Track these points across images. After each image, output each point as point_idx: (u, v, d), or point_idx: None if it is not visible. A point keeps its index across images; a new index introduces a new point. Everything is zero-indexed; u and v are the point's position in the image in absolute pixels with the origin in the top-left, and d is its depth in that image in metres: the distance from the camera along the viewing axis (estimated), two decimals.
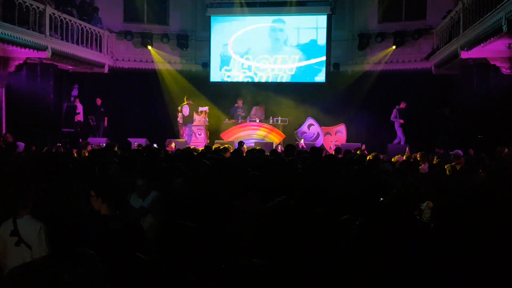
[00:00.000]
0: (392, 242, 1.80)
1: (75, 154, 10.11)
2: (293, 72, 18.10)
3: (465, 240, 1.62)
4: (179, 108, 16.57)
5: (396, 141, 15.87)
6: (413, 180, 5.90)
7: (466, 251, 1.54)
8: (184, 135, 16.40)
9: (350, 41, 18.17)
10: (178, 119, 16.76)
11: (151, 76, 18.32)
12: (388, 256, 1.71)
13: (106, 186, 4.32)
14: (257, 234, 3.51)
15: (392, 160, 9.37)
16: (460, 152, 9.75)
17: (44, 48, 13.47)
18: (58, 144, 11.76)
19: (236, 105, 17.07)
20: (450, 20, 14.07)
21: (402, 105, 16.03)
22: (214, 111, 17.47)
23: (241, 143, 11.64)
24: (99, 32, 17.00)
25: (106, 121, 17.05)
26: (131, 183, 5.21)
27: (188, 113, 16.37)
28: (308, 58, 17.93)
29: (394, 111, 16.01)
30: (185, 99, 16.60)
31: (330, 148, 14.89)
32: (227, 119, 17.17)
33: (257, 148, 9.97)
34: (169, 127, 17.41)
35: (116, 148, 10.06)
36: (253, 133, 16.39)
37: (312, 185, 4.25)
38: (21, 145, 11.62)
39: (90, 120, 16.72)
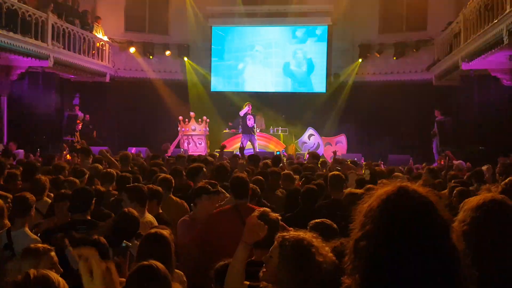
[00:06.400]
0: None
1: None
2: (293, 82, 18.14)
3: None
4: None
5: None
6: None
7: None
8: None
9: (351, 51, 18.23)
10: (178, 128, 16.72)
11: (152, 86, 18.35)
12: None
13: None
14: None
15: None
16: (463, 163, 9.71)
17: (46, 57, 13.49)
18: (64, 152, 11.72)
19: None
20: (451, 31, 14.13)
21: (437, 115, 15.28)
22: (215, 121, 17.47)
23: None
24: (100, 42, 17.06)
25: None
26: None
27: (252, 124, 15.35)
28: (308, 68, 17.98)
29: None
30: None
31: (330, 158, 14.85)
32: (227, 129, 17.18)
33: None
34: (169, 137, 17.39)
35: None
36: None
37: None
38: (21, 152, 11.60)
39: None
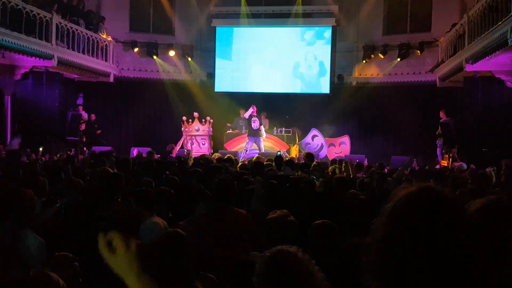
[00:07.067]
0: None
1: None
2: (297, 83, 18.13)
3: None
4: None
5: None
6: None
7: None
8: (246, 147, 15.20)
9: (355, 52, 18.22)
10: (182, 128, 16.73)
11: (156, 86, 18.37)
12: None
13: None
14: None
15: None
16: (464, 165, 9.68)
17: (50, 57, 13.53)
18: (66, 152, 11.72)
19: (240, 116, 17.04)
20: (455, 33, 14.10)
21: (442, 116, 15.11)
22: (218, 121, 17.46)
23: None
24: (105, 42, 17.10)
25: None
26: None
27: (257, 126, 15.06)
28: (312, 70, 17.96)
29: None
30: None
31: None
32: (230, 129, 17.16)
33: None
34: (173, 137, 17.41)
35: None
36: None
37: None
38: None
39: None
